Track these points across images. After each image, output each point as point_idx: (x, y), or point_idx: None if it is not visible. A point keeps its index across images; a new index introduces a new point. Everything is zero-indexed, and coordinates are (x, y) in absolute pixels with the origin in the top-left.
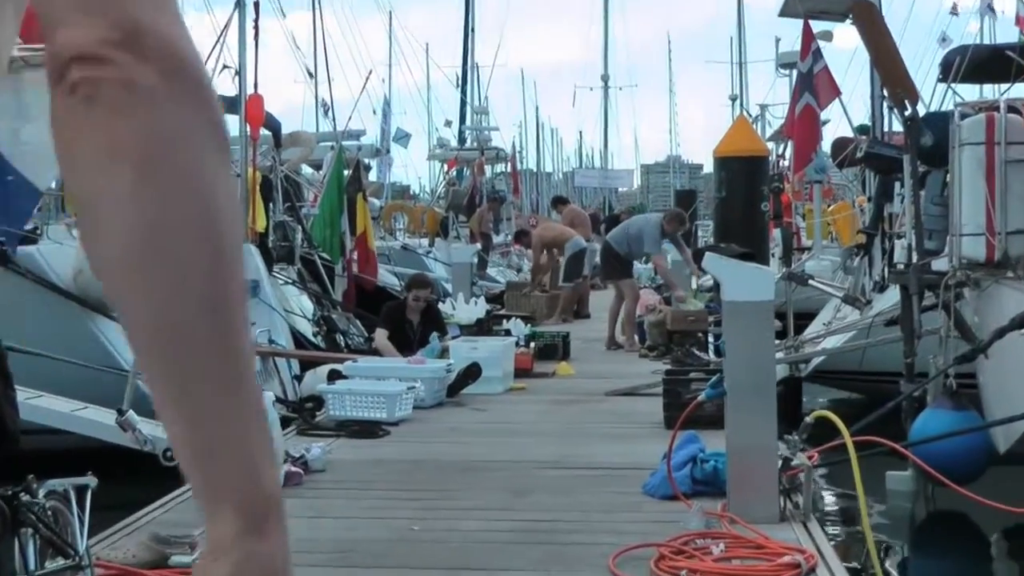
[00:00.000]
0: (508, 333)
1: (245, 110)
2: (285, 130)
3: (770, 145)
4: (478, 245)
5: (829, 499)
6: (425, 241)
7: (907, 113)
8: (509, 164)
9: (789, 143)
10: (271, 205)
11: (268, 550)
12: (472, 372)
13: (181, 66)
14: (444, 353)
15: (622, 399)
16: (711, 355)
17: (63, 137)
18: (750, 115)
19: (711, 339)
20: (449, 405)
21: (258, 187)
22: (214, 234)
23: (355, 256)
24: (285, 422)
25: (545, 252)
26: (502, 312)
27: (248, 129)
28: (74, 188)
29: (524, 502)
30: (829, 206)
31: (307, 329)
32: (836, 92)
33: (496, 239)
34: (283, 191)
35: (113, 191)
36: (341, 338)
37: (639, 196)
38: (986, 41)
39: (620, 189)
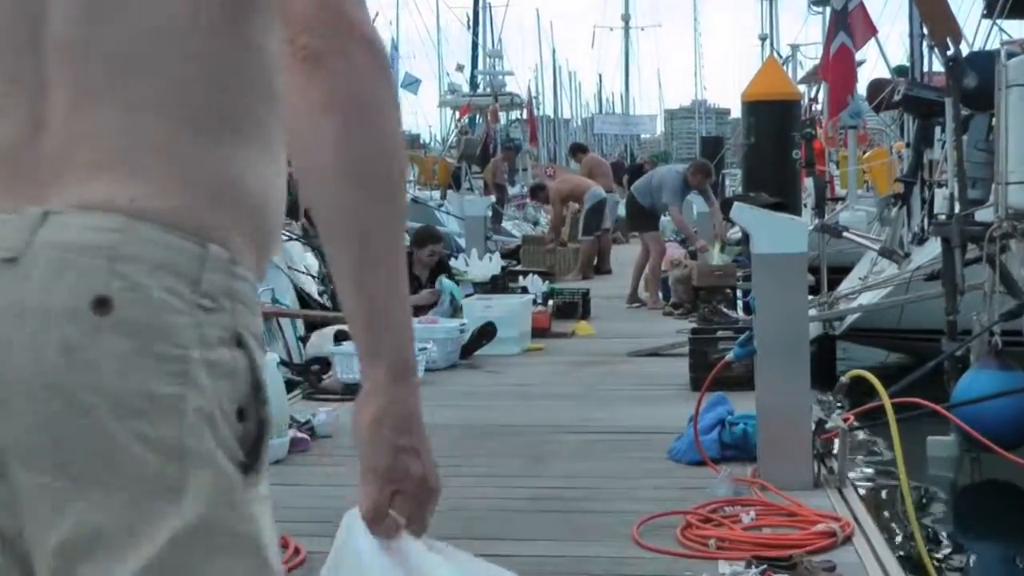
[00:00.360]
0: (525, 291)
1: None
2: None
3: (802, 88)
4: (492, 197)
5: (866, 465)
6: (436, 193)
7: (949, 53)
8: (525, 111)
9: (822, 86)
10: None
11: (406, 397)
12: (487, 332)
13: (380, 49)
14: (457, 312)
15: (646, 360)
16: (740, 312)
17: (296, 110)
18: (780, 56)
19: (740, 295)
20: (463, 367)
21: None
22: (395, 162)
23: None
24: (290, 386)
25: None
26: (518, 268)
27: None
28: (288, 122)
29: (542, 468)
30: (864, 153)
31: (312, 288)
32: (872, 31)
33: (511, 190)
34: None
35: (324, 132)
36: None
37: (663, 143)
38: None
39: (642, 136)
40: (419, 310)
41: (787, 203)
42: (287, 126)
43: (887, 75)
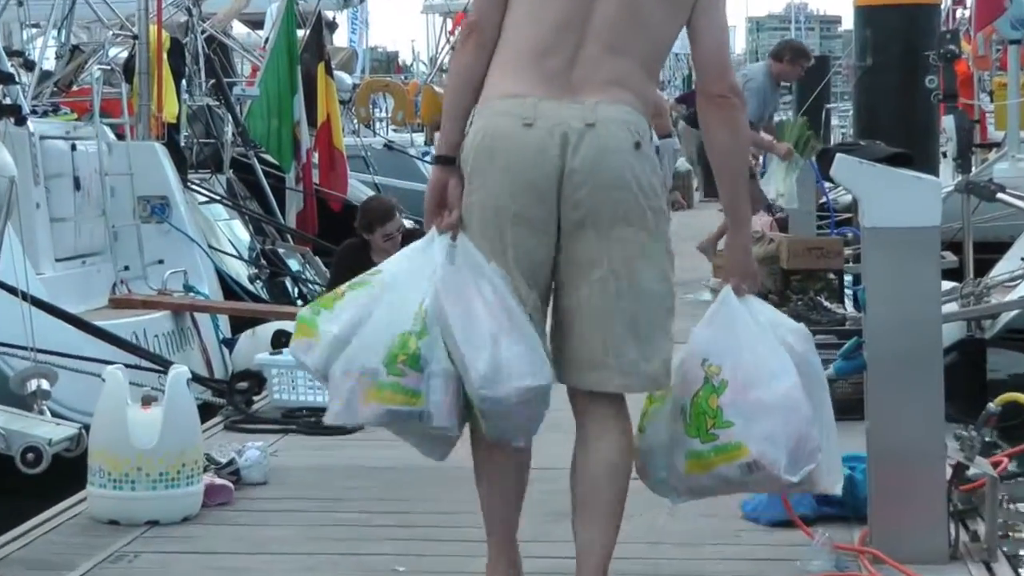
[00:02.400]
0: None
1: None
2: None
3: None
4: None
5: None
6: (419, 136)
7: None
8: None
9: None
10: (185, 83)
11: (748, 239)
12: None
13: (742, 97)
14: None
15: None
16: (848, 308)
17: (712, 118)
18: None
19: (849, 282)
20: None
21: (165, 56)
22: (748, 155)
23: (315, 160)
24: (208, 411)
25: None
26: None
27: None
28: (716, 139)
29: (563, 529)
30: None
31: (241, 271)
32: None
33: None
34: (205, 62)
35: (733, 141)
36: (292, 284)
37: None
38: None
39: None
40: None
41: (912, 154)
42: (704, 123)
43: None
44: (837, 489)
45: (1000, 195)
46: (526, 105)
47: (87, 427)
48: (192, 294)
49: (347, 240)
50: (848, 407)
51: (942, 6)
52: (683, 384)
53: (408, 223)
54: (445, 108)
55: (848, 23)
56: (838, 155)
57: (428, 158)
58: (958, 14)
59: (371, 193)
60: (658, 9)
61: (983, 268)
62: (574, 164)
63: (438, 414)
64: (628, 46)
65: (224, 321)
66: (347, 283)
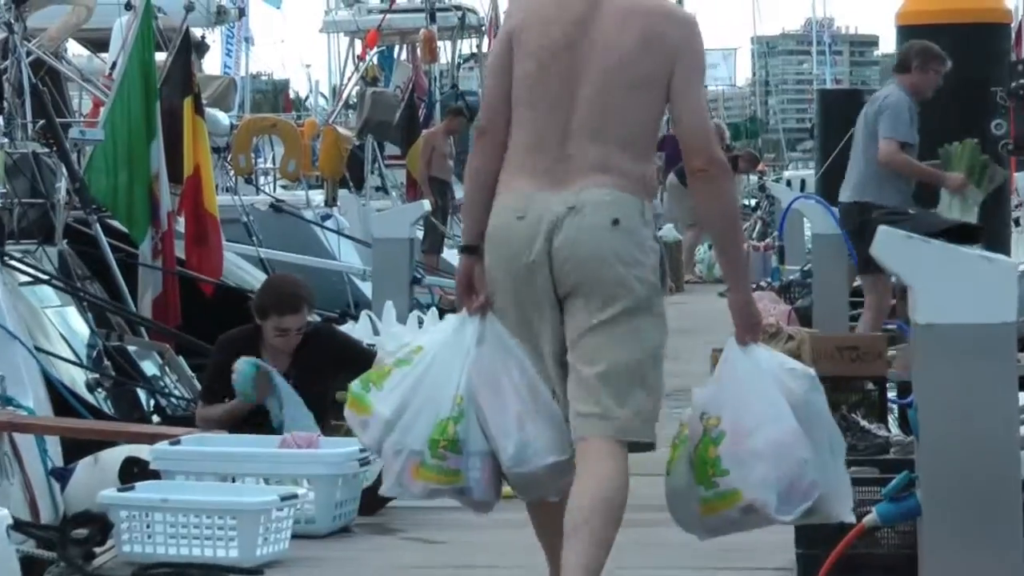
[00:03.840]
0: None
1: None
2: None
3: (1010, 2)
4: (426, 203)
5: None
6: (318, 194)
7: None
8: (487, 39)
9: None
10: (2, 122)
11: (749, 297)
12: None
13: (725, 167)
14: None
15: None
16: (892, 429)
17: (698, 190)
18: None
19: (893, 394)
20: (367, 531)
21: None
22: (737, 219)
23: (179, 226)
24: (32, 567)
25: None
26: None
27: None
28: (704, 208)
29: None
30: None
31: (77, 376)
32: None
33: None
34: (32, 94)
35: (721, 208)
36: (146, 394)
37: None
38: None
39: (712, 87)
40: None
41: (979, 226)
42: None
43: None
44: (849, 516)
45: None
46: (520, 199)
47: None
48: (11, 408)
49: (231, 330)
50: (896, 565)
51: (1012, 24)
52: (690, 438)
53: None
54: (465, 205)
55: (887, 45)
56: (881, 228)
57: (330, 223)
58: None
59: (253, 271)
60: (629, 101)
61: None
62: (557, 244)
63: (478, 489)
64: (607, 134)
65: (55, 445)
66: (393, 359)
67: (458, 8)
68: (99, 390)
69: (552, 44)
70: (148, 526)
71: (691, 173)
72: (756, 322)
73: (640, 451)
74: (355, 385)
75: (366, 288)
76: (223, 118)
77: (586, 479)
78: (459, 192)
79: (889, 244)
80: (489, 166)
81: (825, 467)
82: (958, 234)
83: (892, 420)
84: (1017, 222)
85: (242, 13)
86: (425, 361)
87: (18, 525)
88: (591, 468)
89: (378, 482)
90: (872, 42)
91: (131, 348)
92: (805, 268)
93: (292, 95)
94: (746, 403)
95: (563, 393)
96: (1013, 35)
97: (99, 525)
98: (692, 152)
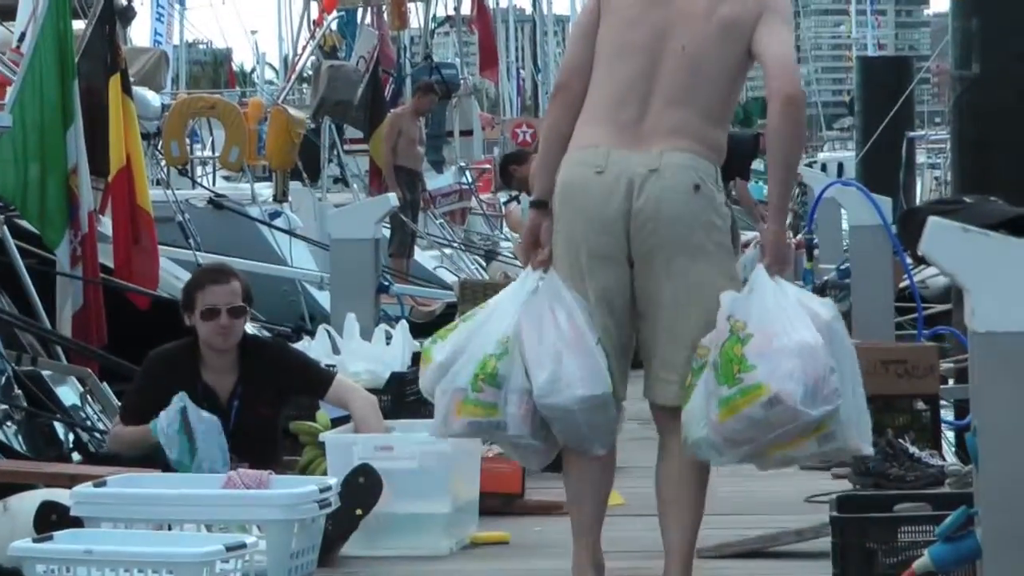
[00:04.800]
0: None
1: None
2: None
3: None
4: (392, 197)
5: None
6: (265, 188)
7: None
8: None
9: None
10: None
11: (783, 229)
12: (362, 489)
13: (804, 97)
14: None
15: (737, 565)
16: (947, 456)
17: (777, 113)
18: None
19: (949, 416)
20: None
21: None
22: (801, 151)
23: (104, 228)
24: None
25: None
26: None
27: None
28: (777, 131)
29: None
30: None
31: None
32: None
33: (438, 180)
34: None
35: (793, 132)
36: (64, 430)
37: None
38: None
39: None
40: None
41: None
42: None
43: None
44: (868, 449)
45: None
46: (599, 154)
47: None
48: None
49: (160, 348)
50: None
51: None
52: (715, 340)
53: (253, 329)
54: (539, 162)
55: (939, 4)
56: (931, 218)
57: (280, 222)
58: None
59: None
60: (715, 50)
61: None
62: (639, 205)
63: (512, 423)
64: (689, 98)
65: None
66: (462, 316)
67: None
68: (8, 424)
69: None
70: None
71: (773, 97)
72: (786, 257)
73: None
74: (427, 341)
75: (323, 298)
76: (153, 99)
77: (674, 446)
78: (431, 182)
79: (942, 237)
80: (562, 125)
81: (845, 395)
82: (1020, 226)
83: (947, 446)
84: None
85: None
86: (485, 313)
87: None
88: (677, 439)
89: (334, 527)
90: (921, 1)
91: (46, 373)
92: (842, 267)
93: (236, 68)
94: (773, 313)
95: (619, 346)
96: None
97: None
98: (777, 78)
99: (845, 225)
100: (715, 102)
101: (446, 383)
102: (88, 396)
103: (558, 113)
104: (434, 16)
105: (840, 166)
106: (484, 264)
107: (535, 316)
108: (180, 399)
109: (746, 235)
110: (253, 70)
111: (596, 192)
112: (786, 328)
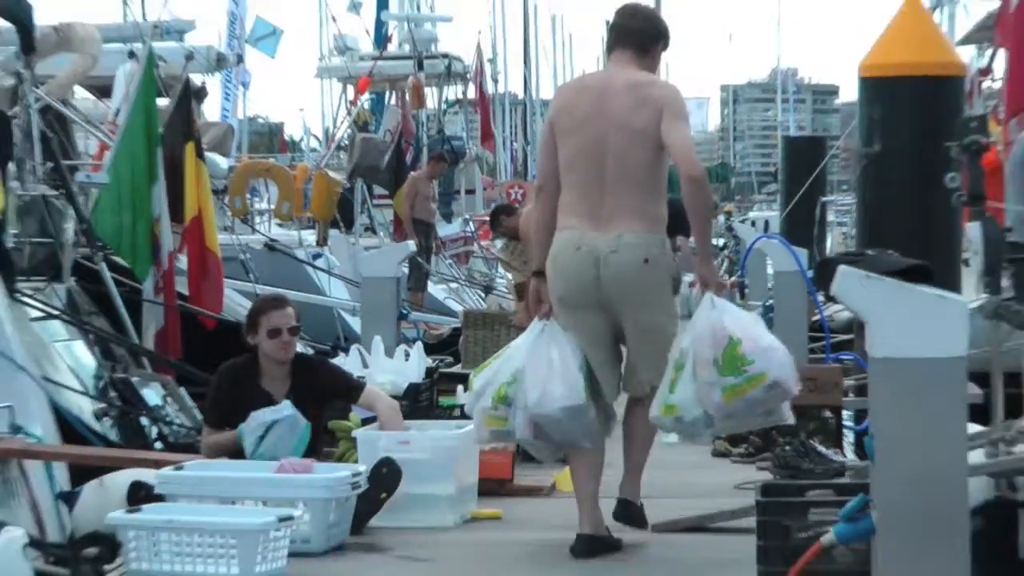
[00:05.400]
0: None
1: None
2: (48, 20)
3: (964, 53)
4: (411, 243)
5: None
6: (310, 235)
7: None
8: (472, 86)
9: (1000, 54)
10: (14, 167)
11: (711, 265)
12: (386, 479)
13: (706, 177)
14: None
15: (683, 538)
16: (847, 455)
17: (689, 192)
18: None
19: (849, 421)
20: (357, 549)
21: None
22: (711, 213)
23: (181, 264)
24: None
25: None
26: (456, 370)
27: None
28: (692, 204)
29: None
30: None
31: (84, 406)
32: None
33: (447, 229)
34: (40, 139)
35: (704, 203)
36: (149, 422)
37: (719, 147)
38: None
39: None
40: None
41: (931, 267)
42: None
43: None
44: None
45: None
46: (575, 235)
47: None
48: (21, 436)
49: (228, 361)
50: None
51: (966, 78)
52: (713, 345)
53: (302, 348)
54: (535, 243)
55: (847, 94)
56: (841, 267)
57: (320, 262)
58: (984, 86)
59: (250, 306)
60: (636, 148)
61: (1016, 406)
62: (606, 274)
63: (519, 431)
64: (628, 186)
65: (62, 470)
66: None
67: (445, 56)
68: (105, 419)
69: (581, 120)
70: (155, 545)
71: (682, 178)
72: (717, 279)
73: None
74: (471, 374)
75: (355, 323)
76: (222, 162)
77: (640, 416)
78: (442, 231)
79: (849, 282)
80: (546, 215)
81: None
82: (911, 274)
83: (847, 446)
84: (966, 263)
85: (240, 59)
86: (508, 352)
87: (33, 543)
88: (641, 413)
89: (363, 505)
90: (833, 91)
91: (135, 379)
92: (767, 303)
93: (287, 138)
94: (745, 322)
95: (605, 366)
96: (967, 87)
97: (108, 545)
98: (685, 164)
99: (770, 270)
100: (647, 184)
101: (479, 404)
102: (168, 398)
103: (544, 208)
104: (446, 99)
105: (767, 223)
106: (483, 296)
107: (538, 354)
108: (276, 411)
109: (687, 276)
110: (301, 140)
111: (576, 264)
112: (760, 332)
